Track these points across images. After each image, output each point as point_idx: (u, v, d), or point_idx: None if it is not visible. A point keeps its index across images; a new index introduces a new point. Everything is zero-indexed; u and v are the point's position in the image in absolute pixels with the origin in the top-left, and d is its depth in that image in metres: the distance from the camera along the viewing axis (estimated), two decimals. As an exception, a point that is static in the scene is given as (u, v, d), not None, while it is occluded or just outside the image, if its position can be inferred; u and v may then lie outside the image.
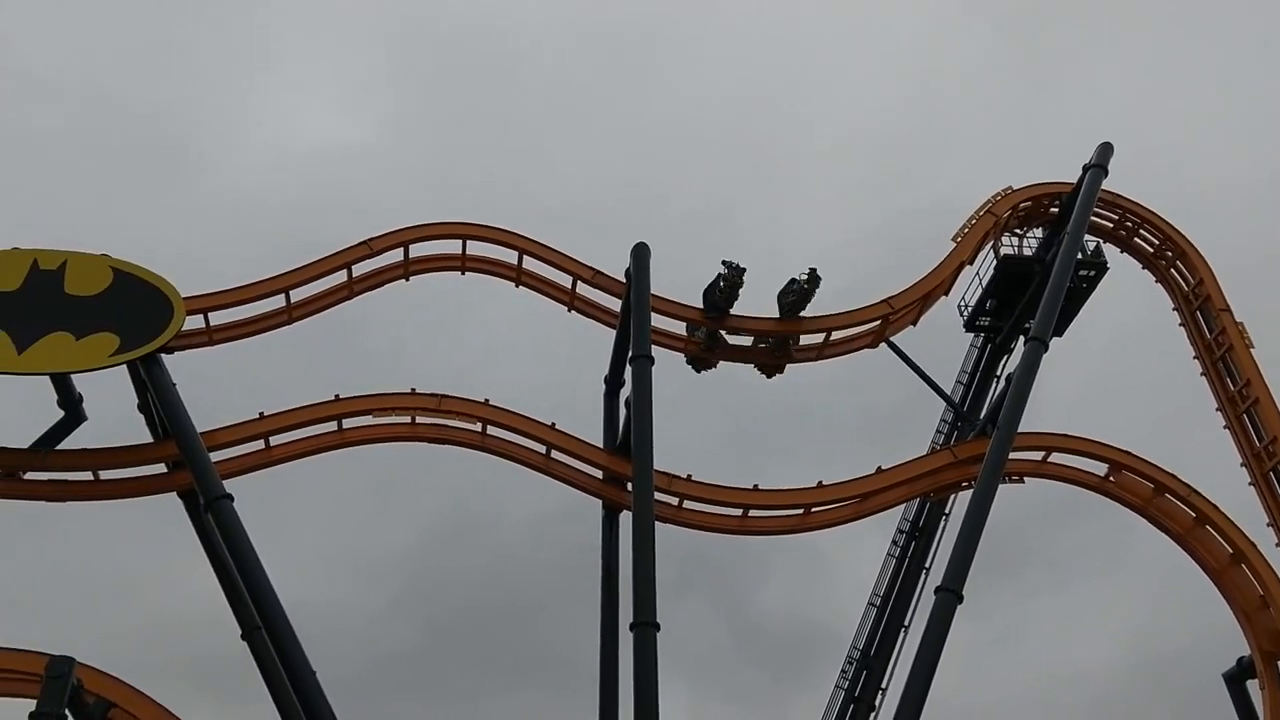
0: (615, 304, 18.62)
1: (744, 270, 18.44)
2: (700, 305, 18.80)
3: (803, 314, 18.82)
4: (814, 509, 17.25)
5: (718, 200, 41.43)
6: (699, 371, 19.50)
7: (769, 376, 19.52)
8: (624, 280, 18.11)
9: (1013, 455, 16.58)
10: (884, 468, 17.53)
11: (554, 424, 17.43)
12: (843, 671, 20.03)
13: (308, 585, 15.07)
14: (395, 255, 18.95)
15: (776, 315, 18.86)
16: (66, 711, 13.06)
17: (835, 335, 19.09)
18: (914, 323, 19.83)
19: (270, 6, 43.63)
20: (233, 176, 39.55)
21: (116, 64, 40.94)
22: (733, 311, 18.77)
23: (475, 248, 19.40)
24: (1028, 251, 21.50)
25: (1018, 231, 21.70)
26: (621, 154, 42.98)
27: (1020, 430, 16.54)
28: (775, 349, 19.10)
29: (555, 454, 17.47)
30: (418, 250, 19.14)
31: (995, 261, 21.36)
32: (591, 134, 43.89)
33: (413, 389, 17.61)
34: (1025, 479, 18.08)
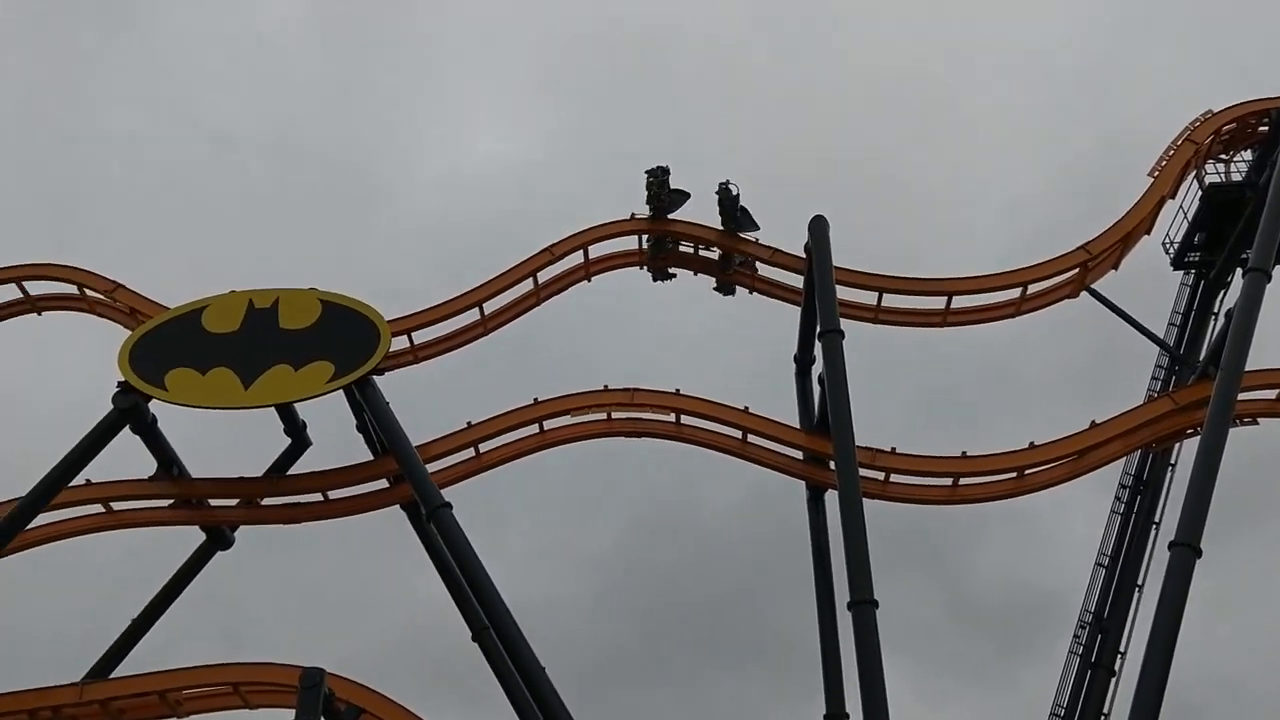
0: (797, 281, 18.41)
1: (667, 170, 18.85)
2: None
3: (997, 270, 18.09)
4: (1028, 471, 16.56)
5: (893, 164, 40.33)
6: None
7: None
8: (804, 256, 17.87)
9: (1241, 396, 15.44)
10: (1098, 421, 16.67)
11: (747, 408, 17.42)
12: (1075, 637, 19.13)
13: (523, 584, 15.68)
14: (576, 258, 19.32)
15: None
16: (322, 718, 14.01)
17: (1032, 288, 18.26)
18: (1115, 266, 18.74)
19: (431, 44, 45.39)
20: (415, 202, 41.49)
21: (301, 113, 43.60)
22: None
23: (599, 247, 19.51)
24: (1236, 177, 19.99)
25: (1223, 158, 20.20)
26: (788, 128, 42.38)
27: (1247, 369, 15.40)
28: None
29: (752, 438, 17.45)
30: (597, 250, 19.44)
31: (1200, 192, 19.95)
32: (754, 112, 43.49)
33: (605, 386, 17.95)
34: (1259, 420, 16.84)
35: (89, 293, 18.76)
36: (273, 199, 40.78)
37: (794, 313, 18.60)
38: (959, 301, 18.23)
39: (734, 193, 18.72)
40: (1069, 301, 18.57)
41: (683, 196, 19.03)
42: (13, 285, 18.78)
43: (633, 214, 19.25)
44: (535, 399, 17.83)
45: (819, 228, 17.37)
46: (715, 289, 19.75)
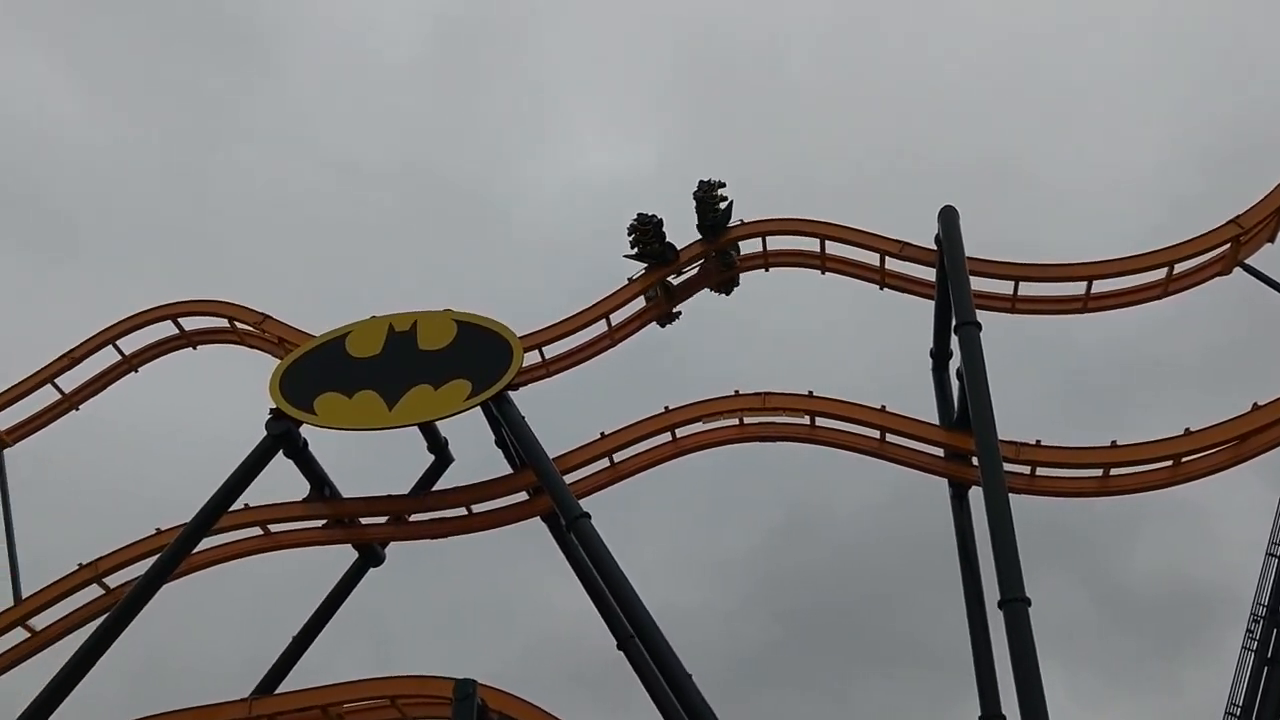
0: (928, 274, 18.01)
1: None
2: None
3: (1148, 249, 17.30)
4: (1184, 459, 15.75)
5: (1010, 150, 39.20)
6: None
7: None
8: (934, 248, 17.48)
9: None
10: (1260, 404, 15.79)
11: (884, 406, 17.10)
12: (1249, 632, 18.09)
13: (661, 593, 15.72)
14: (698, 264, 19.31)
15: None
16: (478, 727, 14.31)
17: (1179, 268, 17.44)
18: (1270, 239, 17.74)
19: (541, 67, 46.44)
20: (538, 219, 42.37)
21: (423, 143, 45.11)
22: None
23: (775, 242, 19.39)
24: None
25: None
26: (903, 121, 41.65)
27: None
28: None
29: (890, 437, 17.11)
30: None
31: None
32: (866, 108, 42.91)
33: (736, 391, 17.89)
34: None
35: (239, 325, 19.66)
36: (402, 226, 42.26)
37: (921, 307, 18.27)
38: (1100, 286, 17.55)
39: (716, 190, 18.62)
40: (1216, 281, 17.69)
41: (673, 250, 18.88)
42: (169, 322, 19.79)
43: (629, 279, 18.95)
44: (666, 407, 17.89)
45: (949, 218, 16.97)
46: (714, 290, 19.42)
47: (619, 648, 16.99)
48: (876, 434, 17.17)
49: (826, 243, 18.99)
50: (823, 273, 19.45)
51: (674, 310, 19.41)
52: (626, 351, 19.41)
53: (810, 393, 17.41)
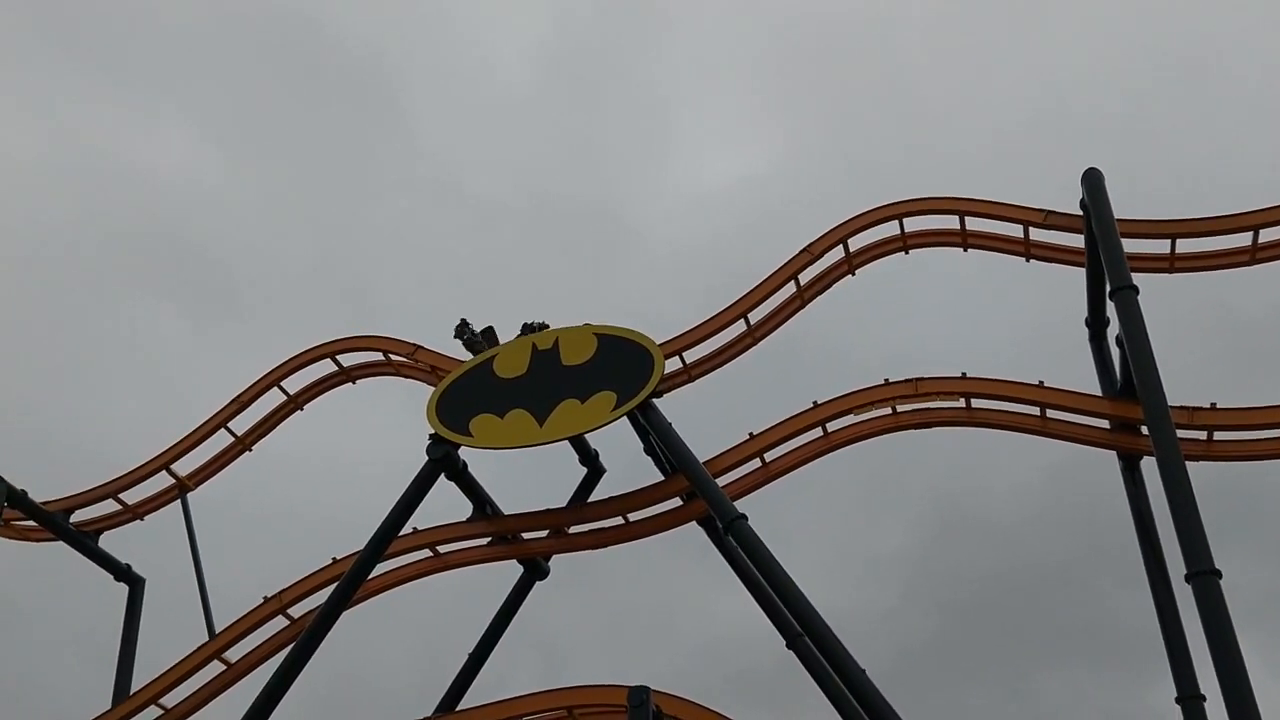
0: (1076, 241, 17.34)
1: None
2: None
3: None
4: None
5: (1146, 107, 37.46)
6: None
7: None
8: (1080, 213, 16.82)
9: None
10: None
11: (1041, 382, 16.52)
12: None
13: (818, 593, 15.56)
14: (836, 254, 19.07)
15: None
16: (653, 734, 14.43)
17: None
18: None
19: (655, 78, 47.04)
20: (664, 230, 43.00)
21: (548, 167, 46.22)
22: None
23: (912, 224, 19.00)
24: None
25: None
26: (1033, 88, 40.32)
27: None
28: None
29: (1051, 413, 16.51)
30: (856, 243, 19.12)
31: None
32: (988, 79, 41.73)
33: (886, 379, 17.55)
34: None
35: (393, 357, 20.37)
36: (539, 250, 43.36)
37: (1069, 275, 17.56)
38: (1267, 235, 16.56)
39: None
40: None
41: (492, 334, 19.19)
42: (328, 360, 20.67)
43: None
44: (815, 402, 17.69)
45: (1093, 180, 16.26)
46: None
47: (788, 646, 16.88)
48: (1036, 411, 16.58)
49: (966, 219, 18.50)
50: (964, 250, 18.93)
51: None
52: (768, 350, 19.32)
53: (964, 374, 16.95)
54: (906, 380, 17.28)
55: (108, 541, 20.59)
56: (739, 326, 18.86)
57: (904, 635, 32.35)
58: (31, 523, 20.04)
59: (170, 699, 17.69)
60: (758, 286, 18.76)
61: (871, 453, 18.55)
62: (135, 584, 20.96)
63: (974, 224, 18.51)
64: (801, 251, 18.90)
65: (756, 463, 17.78)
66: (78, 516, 20.16)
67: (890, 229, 19.04)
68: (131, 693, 18.57)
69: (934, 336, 31.15)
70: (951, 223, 18.70)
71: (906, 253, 19.20)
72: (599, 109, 46.78)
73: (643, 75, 46.79)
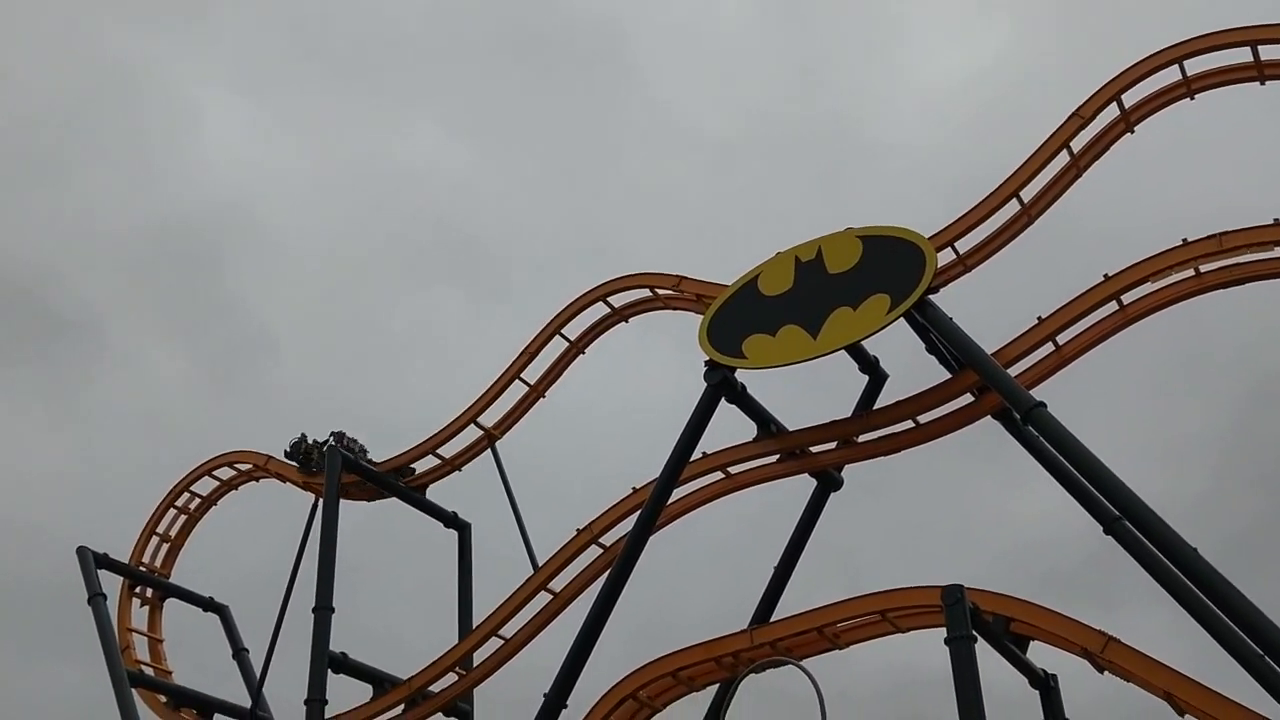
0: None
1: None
2: None
3: None
4: None
5: None
6: None
7: None
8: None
9: None
10: None
11: (1373, 215, 14.70)
12: None
13: (1124, 477, 14.74)
14: (1110, 113, 17.61)
15: None
16: (974, 632, 14.22)
17: None
18: None
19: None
20: (902, 135, 41.86)
21: (780, 96, 45.95)
22: None
23: (1195, 66, 17.22)
24: None
25: None
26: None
27: None
28: None
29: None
30: (1132, 98, 17.54)
31: None
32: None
33: (1184, 239, 16.23)
34: None
35: (659, 291, 20.83)
36: (775, 179, 43.22)
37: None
38: None
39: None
40: None
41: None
42: (600, 303, 21.42)
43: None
44: (1105, 275, 16.63)
45: None
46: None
47: (1106, 532, 16.06)
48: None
49: (1259, 47, 16.55)
50: (1261, 83, 16.96)
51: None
52: (1046, 227, 18.21)
53: (1276, 220, 15.35)
54: (1209, 236, 15.92)
55: (434, 494, 22.59)
56: (1011, 207, 17.85)
57: (1220, 519, 30.17)
58: (368, 484, 22.22)
59: (507, 630, 19.19)
60: (1027, 161, 17.64)
61: (1170, 323, 17.38)
62: (463, 530, 22.98)
63: (1271, 53, 16.56)
64: (1071, 116, 17.59)
65: (1048, 348, 16.98)
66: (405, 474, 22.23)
67: (1169, 75, 17.36)
68: (474, 627, 20.35)
69: (1231, 187, 28.24)
70: (1243, 56, 16.81)
71: (1191, 98, 17.46)
72: (819, 26, 45.98)
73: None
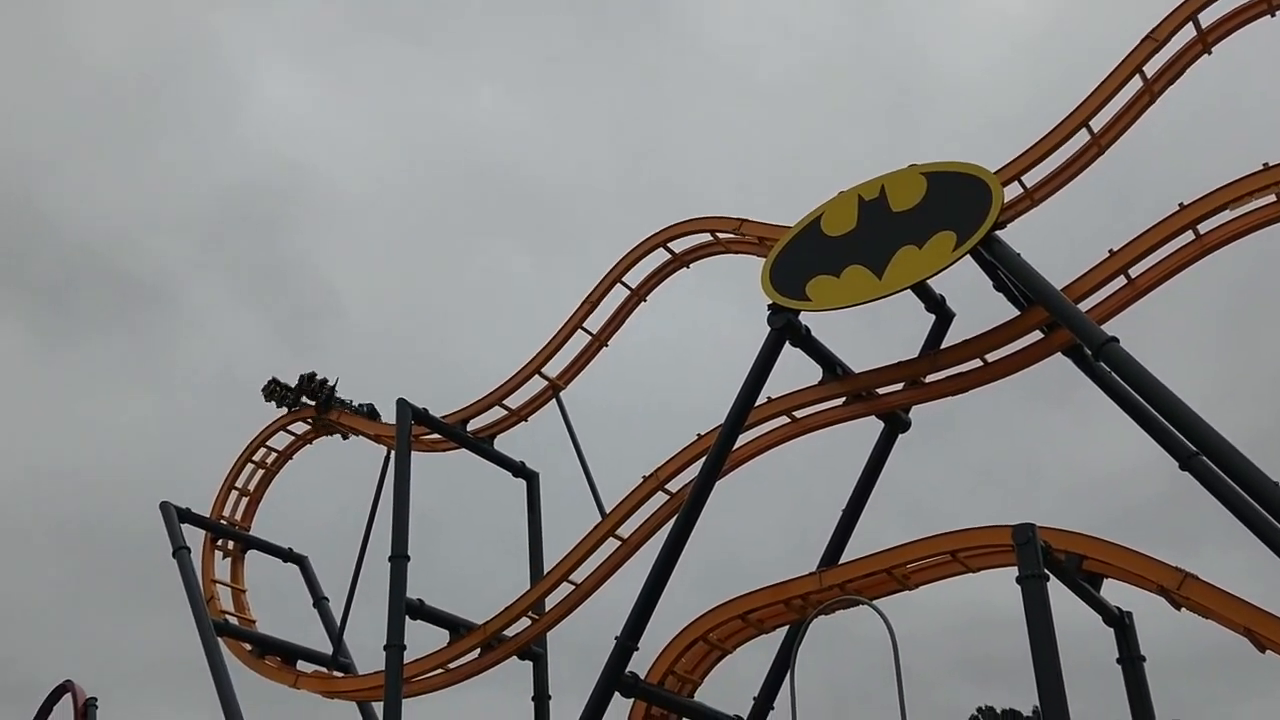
0: None
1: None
2: None
3: None
4: None
5: None
6: None
7: None
8: None
9: None
10: None
11: None
12: None
13: (1204, 412, 14.38)
14: (1186, 34, 16.93)
15: None
16: (1046, 570, 14.05)
17: None
18: None
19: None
20: (963, 64, 40.79)
21: (838, 34, 44.94)
22: None
23: (1210, 14, 16.55)
24: None
25: None
26: None
27: None
28: None
29: None
30: (1209, 16, 16.82)
31: None
32: None
33: (1265, 164, 15.62)
34: None
35: (721, 235, 20.65)
36: (836, 119, 42.48)
37: None
38: None
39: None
40: None
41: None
42: (660, 250, 21.30)
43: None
44: (1180, 204, 16.10)
45: None
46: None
47: (1182, 468, 15.72)
48: None
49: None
50: (1271, 16, 16.25)
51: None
52: (1118, 157, 17.64)
53: (1363, 141, 14.73)
54: (1292, 159, 15.28)
55: (502, 444, 22.83)
56: (1081, 137, 17.30)
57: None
58: (437, 436, 22.52)
59: (578, 575, 19.43)
60: (1098, 87, 17.05)
61: (1246, 253, 16.82)
62: (531, 479, 23.23)
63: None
64: (1145, 39, 16.95)
65: (1120, 281, 16.56)
66: (473, 425, 22.43)
67: (1183, 33, 16.62)
68: (545, 573, 20.65)
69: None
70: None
71: (1273, 15, 16.67)
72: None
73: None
